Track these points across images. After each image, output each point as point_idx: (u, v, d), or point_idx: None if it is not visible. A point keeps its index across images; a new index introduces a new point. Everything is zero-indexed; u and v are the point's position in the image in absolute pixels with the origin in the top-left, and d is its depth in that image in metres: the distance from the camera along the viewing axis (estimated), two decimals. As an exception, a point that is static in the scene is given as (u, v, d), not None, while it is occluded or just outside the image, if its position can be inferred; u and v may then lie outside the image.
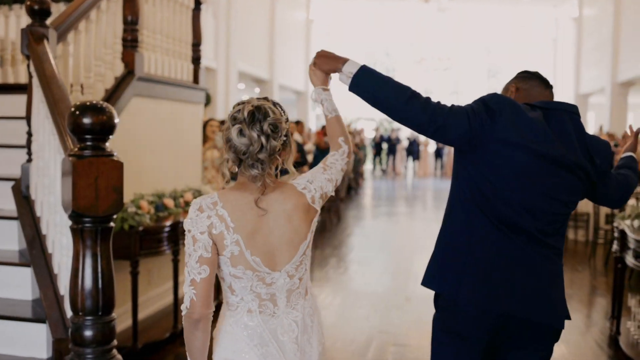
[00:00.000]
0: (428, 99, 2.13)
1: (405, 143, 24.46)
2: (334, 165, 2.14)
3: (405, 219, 12.34)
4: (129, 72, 4.74)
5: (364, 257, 8.22)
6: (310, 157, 13.85)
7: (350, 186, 15.56)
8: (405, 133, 25.63)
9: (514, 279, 2.17)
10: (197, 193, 5.74)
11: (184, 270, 1.98)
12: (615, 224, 5.05)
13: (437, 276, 2.29)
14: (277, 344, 1.95)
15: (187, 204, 5.45)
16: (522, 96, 2.35)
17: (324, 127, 17.56)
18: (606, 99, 17.80)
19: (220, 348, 1.97)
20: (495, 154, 2.12)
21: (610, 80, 17.21)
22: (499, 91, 2.38)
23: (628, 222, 4.97)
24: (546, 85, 2.38)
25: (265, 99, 1.96)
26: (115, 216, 2.66)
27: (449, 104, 2.16)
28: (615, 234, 4.98)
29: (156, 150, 5.31)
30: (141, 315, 4.84)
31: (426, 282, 2.32)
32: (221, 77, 14.54)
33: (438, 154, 24.36)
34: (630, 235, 4.52)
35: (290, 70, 20.31)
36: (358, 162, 17.44)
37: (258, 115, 1.87)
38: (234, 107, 1.92)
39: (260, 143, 1.86)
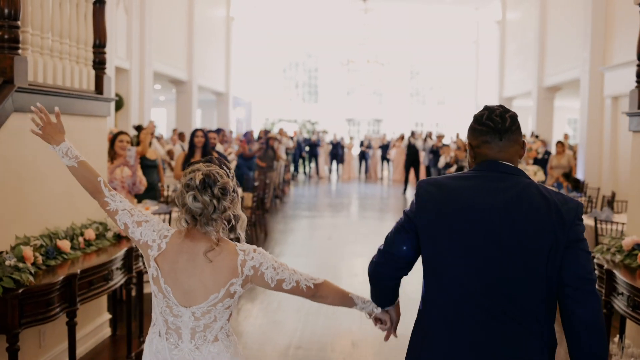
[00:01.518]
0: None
1: (328, 146, 23.60)
2: (295, 273, 2.37)
3: (336, 232, 11.53)
4: (6, 82, 3.68)
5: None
6: (233, 165, 12.87)
7: (275, 195, 14.67)
8: (329, 136, 24.96)
9: None
10: (102, 227, 4.70)
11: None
12: (595, 260, 4.40)
13: None
14: None
15: (89, 243, 4.41)
16: (479, 156, 2.12)
17: (246, 134, 16.60)
18: (533, 103, 17.68)
19: (144, 355, 2.26)
20: (431, 231, 2.08)
21: (537, 84, 17.09)
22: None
23: (608, 256, 4.36)
24: (498, 131, 2.06)
25: (210, 160, 2.22)
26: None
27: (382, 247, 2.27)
28: (597, 272, 4.31)
29: (46, 177, 4.25)
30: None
31: None
32: (135, 78, 13.35)
33: (362, 156, 23.75)
34: (621, 277, 3.87)
35: (210, 70, 19.30)
36: (284, 169, 16.61)
37: (208, 181, 2.14)
38: (185, 175, 2.18)
39: (213, 206, 2.14)
